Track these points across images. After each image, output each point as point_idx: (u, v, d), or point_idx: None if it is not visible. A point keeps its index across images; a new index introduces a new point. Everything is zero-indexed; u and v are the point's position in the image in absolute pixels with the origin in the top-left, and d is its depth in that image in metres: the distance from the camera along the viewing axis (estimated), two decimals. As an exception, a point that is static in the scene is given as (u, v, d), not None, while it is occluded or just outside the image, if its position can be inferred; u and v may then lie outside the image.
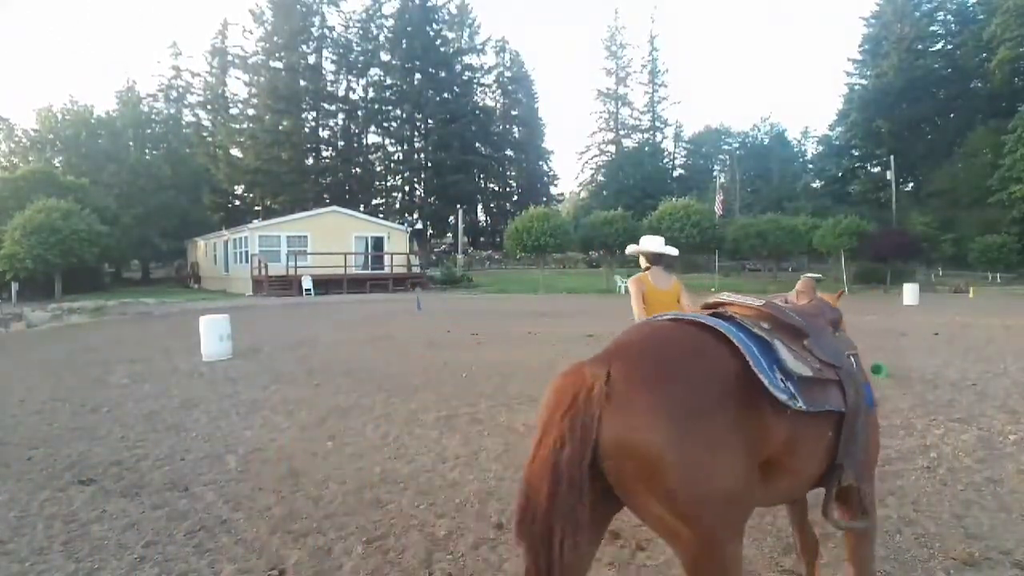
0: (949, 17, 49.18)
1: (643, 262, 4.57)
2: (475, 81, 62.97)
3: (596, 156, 66.35)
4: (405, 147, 59.96)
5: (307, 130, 54.93)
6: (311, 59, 54.57)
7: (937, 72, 47.57)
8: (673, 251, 4.57)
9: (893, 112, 47.07)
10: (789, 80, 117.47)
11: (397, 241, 33.62)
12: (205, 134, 54.80)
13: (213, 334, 9.73)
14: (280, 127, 52.46)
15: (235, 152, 54.31)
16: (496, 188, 65.09)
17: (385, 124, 59.13)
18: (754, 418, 1.75)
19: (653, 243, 4.56)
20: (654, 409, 1.63)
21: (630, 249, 4.77)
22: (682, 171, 65.66)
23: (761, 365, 1.82)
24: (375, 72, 58.13)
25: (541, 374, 8.01)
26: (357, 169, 56.80)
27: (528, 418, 5.81)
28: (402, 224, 39.16)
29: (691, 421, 1.64)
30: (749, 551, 3.14)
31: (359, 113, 57.13)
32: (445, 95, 57.53)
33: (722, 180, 55.28)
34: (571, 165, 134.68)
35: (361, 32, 57.08)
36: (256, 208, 51.72)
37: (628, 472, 1.63)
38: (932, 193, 42.89)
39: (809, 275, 3.42)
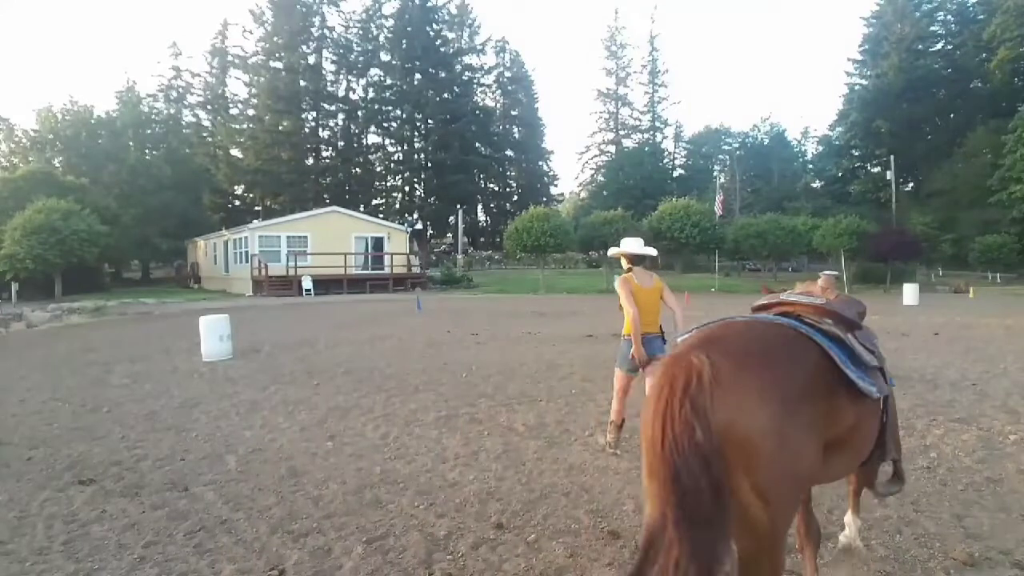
0: (949, 17, 49.23)
1: (624, 263, 4.76)
2: (475, 81, 63.00)
3: (596, 156, 66.38)
4: (405, 147, 59.97)
5: (307, 130, 54.94)
6: (311, 59, 54.59)
7: (937, 72, 47.59)
8: (652, 252, 4.78)
9: (893, 112, 47.08)
10: (789, 80, 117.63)
11: (397, 241, 33.61)
12: (205, 134, 54.81)
13: (213, 334, 9.73)
14: (280, 127, 52.47)
15: (235, 152, 54.33)
16: (496, 188, 65.11)
17: (385, 124, 59.14)
18: (831, 405, 1.95)
19: (634, 244, 4.75)
20: (760, 392, 1.75)
21: (612, 251, 4.97)
22: (682, 171, 65.67)
23: (844, 359, 2.04)
24: (375, 72, 58.20)
25: (541, 374, 8.01)
26: (357, 169, 56.83)
27: (528, 418, 5.81)
28: (402, 224, 39.12)
29: (791, 405, 1.78)
30: (749, 551, 3.13)
31: (359, 113, 57.14)
32: (445, 95, 57.54)
33: (722, 180, 55.29)
34: (571, 165, 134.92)
35: (361, 32, 57.10)
36: (256, 208, 51.71)
37: (731, 451, 1.70)
38: (932, 193, 42.90)
39: (829, 272, 3.53)
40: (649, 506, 1.76)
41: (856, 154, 52.27)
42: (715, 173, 61.00)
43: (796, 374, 1.89)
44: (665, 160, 64.04)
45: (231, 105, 56.82)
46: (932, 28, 49.12)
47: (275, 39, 52.88)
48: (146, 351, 10.86)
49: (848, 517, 3.06)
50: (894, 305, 20.02)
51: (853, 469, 2.46)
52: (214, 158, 52.69)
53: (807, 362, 1.96)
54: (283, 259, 28.71)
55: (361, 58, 56.85)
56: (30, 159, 37.75)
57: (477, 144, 59.04)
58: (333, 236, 30.37)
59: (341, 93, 56.78)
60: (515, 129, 65.74)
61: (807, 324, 2.15)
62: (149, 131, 42.61)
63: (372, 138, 59.33)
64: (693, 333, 2.15)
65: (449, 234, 54.80)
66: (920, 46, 47.74)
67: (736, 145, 66.89)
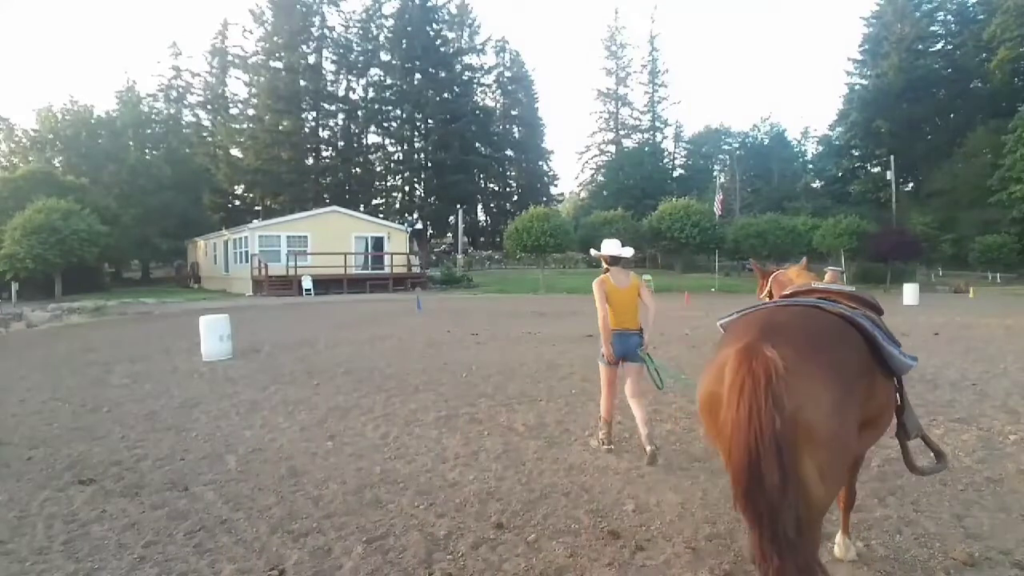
0: (949, 17, 49.23)
1: (603, 263, 5.01)
2: (475, 81, 62.97)
3: (596, 156, 66.35)
4: (405, 147, 59.96)
5: (307, 130, 54.92)
6: (311, 59, 54.57)
7: (937, 72, 47.60)
8: (629, 252, 5.04)
9: (893, 112, 47.09)
10: (789, 80, 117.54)
11: (397, 241, 33.61)
12: (205, 134, 54.79)
13: (213, 334, 9.73)
14: (280, 127, 52.45)
15: (235, 152, 54.31)
16: (496, 188, 65.08)
17: (385, 124, 59.12)
18: (871, 384, 2.18)
19: (612, 246, 4.99)
20: (823, 381, 1.96)
21: (593, 252, 5.26)
22: (682, 171, 65.64)
23: (886, 341, 2.28)
24: (375, 72, 58.16)
25: (541, 374, 8.02)
26: (357, 169, 56.81)
27: (528, 418, 5.81)
28: (402, 224, 39.12)
29: (847, 389, 2.00)
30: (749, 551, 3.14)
31: (359, 113, 57.11)
32: (445, 95, 57.52)
33: (722, 180, 55.30)
34: (571, 165, 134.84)
35: (361, 32, 57.08)
36: (256, 208, 51.67)
37: (800, 435, 1.88)
38: (932, 193, 42.90)
39: (834, 268, 3.78)
40: (732, 490, 1.99)
41: (856, 154, 52.27)
42: (715, 173, 61.01)
43: (849, 359, 2.12)
44: (665, 160, 64.02)
45: (231, 105, 56.85)
46: (932, 28, 49.12)
47: (275, 39, 52.87)
48: (146, 351, 10.86)
49: (839, 538, 3.00)
50: (894, 305, 20.01)
51: (874, 443, 2.67)
52: (214, 158, 52.67)
53: (855, 346, 2.19)
54: (283, 259, 28.70)
55: (361, 58, 56.83)
56: (30, 159, 37.74)
57: (477, 144, 59.01)
58: (333, 236, 30.37)
59: (341, 93, 56.77)
60: (515, 129, 65.70)
61: (848, 309, 2.36)
62: (149, 131, 42.60)
63: (372, 138, 59.37)
64: (747, 319, 2.35)
65: (449, 234, 54.78)
66: (920, 46, 47.74)
67: (736, 145, 66.87)
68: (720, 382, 2.00)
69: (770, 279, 3.87)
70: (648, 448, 4.41)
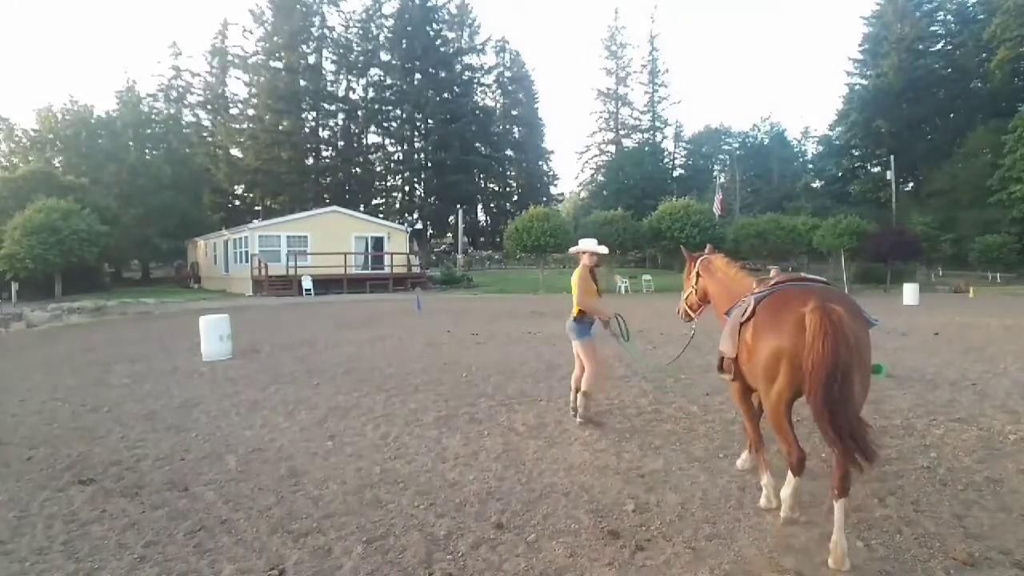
0: (949, 17, 49.22)
1: (587, 259, 5.60)
2: (475, 81, 62.94)
3: (596, 156, 66.30)
4: (405, 147, 59.94)
5: (307, 130, 54.89)
6: (311, 59, 54.54)
7: (937, 72, 47.57)
8: (604, 249, 5.76)
9: (893, 112, 47.07)
10: (789, 80, 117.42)
11: (397, 241, 33.61)
12: (205, 134, 54.75)
13: (213, 334, 9.73)
14: (280, 127, 52.43)
15: (235, 152, 54.28)
16: (496, 188, 65.06)
17: (385, 124, 59.11)
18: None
19: (592, 244, 5.71)
20: (864, 325, 3.28)
21: (572, 249, 5.83)
22: (682, 171, 65.61)
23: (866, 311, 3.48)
24: (375, 72, 58.12)
25: (541, 374, 8.02)
26: (357, 169, 56.79)
27: (528, 418, 5.81)
28: (402, 224, 39.11)
29: (867, 333, 3.27)
30: (749, 551, 3.14)
31: (359, 113, 57.09)
32: (445, 95, 57.51)
33: (722, 180, 55.27)
34: (571, 165, 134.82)
35: (361, 32, 57.06)
36: (256, 208, 51.63)
37: (855, 359, 2.97)
38: (932, 193, 42.88)
39: (777, 267, 4.42)
40: (812, 395, 2.96)
41: (856, 154, 52.26)
42: (715, 173, 61.00)
43: (863, 317, 3.34)
44: (665, 160, 63.99)
45: (231, 105, 56.80)
46: (932, 28, 49.09)
47: (275, 39, 52.84)
48: (146, 351, 10.86)
49: (836, 505, 3.03)
50: (894, 305, 20.01)
51: None
52: (214, 158, 52.65)
53: (860, 309, 3.37)
54: (283, 259, 28.70)
55: (361, 58, 56.81)
56: (30, 159, 37.72)
57: (477, 144, 58.99)
58: (333, 236, 30.36)
59: (341, 93, 56.74)
60: (515, 129, 65.65)
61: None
62: (149, 131, 42.56)
63: (372, 138, 59.34)
64: (799, 291, 3.36)
65: (449, 234, 54.78)
66: (920, 46, 47.72)
67: (736, 145, 66.82)
68: (799, 331, 3.05)
69: (697, 262, 4.61)
70: (577, 417, 5.54)
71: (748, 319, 3.51)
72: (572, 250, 5.81)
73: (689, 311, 4.67)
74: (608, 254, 6.01)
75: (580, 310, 5.50)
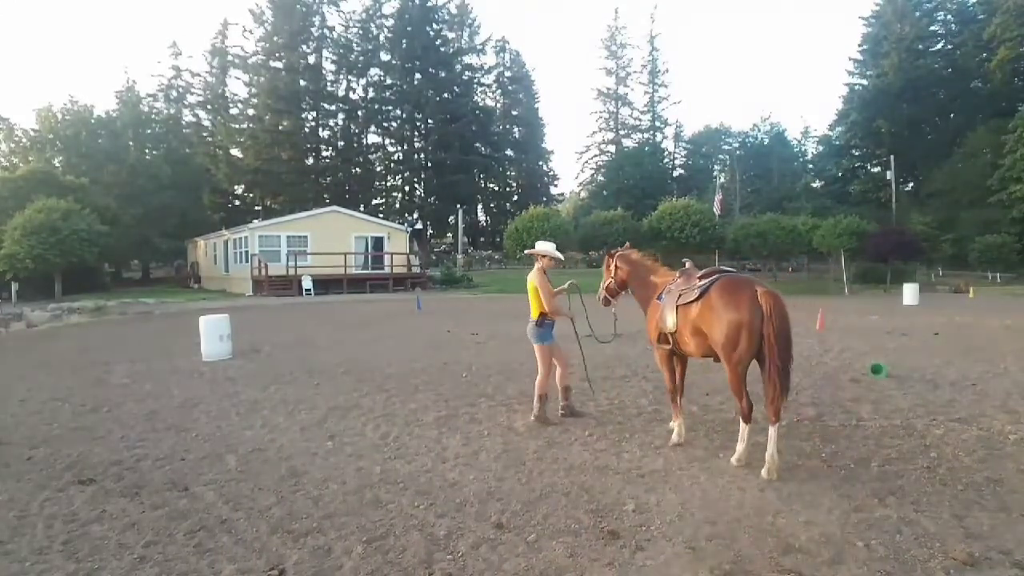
0: (949, 17, 49.21)
1: (546, 262, 5.69)
2: (475, 81, 62.96)
3: (596, 156, 66.37)
4: (405, 147, 59.94)
5: (307, 130, 54.90)
6: (311, 59, 54.55)
7: (937, 72, 47.56)
8: (561, 256, 5.97)
9: (893, 112, 47.06)
10: (789, 80, 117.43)
11: (397, 241, 33.59)
12: (205, 134, 54.74)
13: (213, 334, 9.73)
14: (280, 127, 52.43)
15: (235, 152, 54.26)
16: (496, 188, 65.07)
17: (385, 124, 59.11)
18: None
19: (551, 247, 5.80)
20: (785, 304, 4.16)
21: (532, 252, 5.92)
22: (682, 171, 65.66)
23: None
24: (375, 72, 58.13)
25: (541, 374, 8.00)
26: (357, 169, 56.77)
27: (528, 418, 5.81)
28: (402, 224, 39.10)
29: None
30: (749, 551, 3.14)
31: (359, 113, 57.09)
32: (445, 95, 57.51)
33: (722, 180, 55.27)
34: (571, 165, 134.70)
35: (361, 32, 57.06)
36: (256, 208, 51.64)
37: (790, 327, 4.11)
38: (932, 193, 42.87)
39: (688, 260, 5.16)
40: (772, 355, 4.02)
41: (856, 154, 52.26)
42: (715, 173, 60.99)
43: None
44: (665, 160, 64.02)
45: (231, 105, 56.79)
46: (932, 28, 49.10)
47: (275, 39, 52.84)
48: (146, 351, 10.86)
49: (772, 428, 4.13)
50: (894, 305, 20.02)
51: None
52: (214, 158, 52.62)
53: None
54: (283, 259, 28.68)
55: (361, 58, 56.80)
56: (30, 159, 37.66)
57: (477, 144, 58.99)
58: (333, 236, 30.35)
59: (341, 93, 56.74)
60: (515, 129, 65.67)
61: None
62: (149, 131, 42.54)
63: (372, 138, 59.35)
64: (741, 279, 4.38)
65: (449, 234, 54.79)
66: (920, 46, 47.72)
67: (736, 145, 66.84)
68: (756, 308, 4.06)
69: (615, 257, 5.55)
70: (561, 412, 5.73)
71: (693, 301, 4.42)
72: (532, 252, 5.89)
73: (609, 297, 5.66)
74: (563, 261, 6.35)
75: (542, 313, 5.56)
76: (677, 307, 4.53)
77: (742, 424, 4.33)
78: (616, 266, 5.51)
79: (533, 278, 5.60)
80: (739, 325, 4.08)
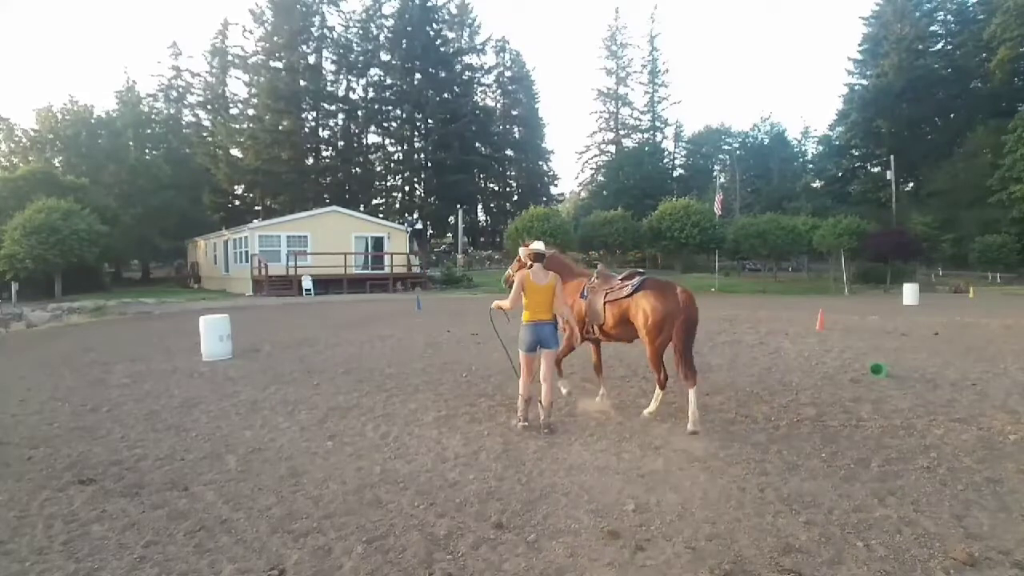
0: (949, 17, 49.26)
1: (528, 261, 5.57)
2: (475, 81, 62.90)
3: (596, 156, 66.33)
4: (405, 147, 59.90)
5: (307, 130, 54.85)
6: (311, 59, 54.52)
7: (937, 72, 47.59)
8: (548, 251, 5.93)
9: (893, 112, 47.09)
10: (789, 80, 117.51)
11: (397, 241, 33.57)
12: (205, 134, 54.73)
13: (213, 334, 9.72)
14: (280, 127, 52.40)
15: (235, 152, 54.23)
16: (496, 188, 65.02)
17: (385, 124, 59.07)
18: None
19: (537, 245, 5.63)
20: (694, 300, 5.44)
21: (522, 251, 5.88)
22: (682, 171, 65.63)
23: None
24: (375, 72, 58.09)
25: (541, 374, 8.00)
26: (357, 169, 56.73)
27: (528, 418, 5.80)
28: (402, 224, 39.09)
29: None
30: (749, 551, 3.14)
31: (359, 113, 57.06)
32: (445, 95, 57.46)
33: (722, 180, 55.33)
34: (571, 165, 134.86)
35: (361, 32, 57.03)
36: (256, 208, 51.62)
37: (691, 316, 5.35)
38: (932, 193, 42.89)
39: (602, 264, 5.84)
40: (675, 341, 5.29)
41: (856, 154, 52.30)
42: (715, 173, 61.06)
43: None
44: (665, 160, 63.99)
45: (231, 105, 56.79)
46: (932, 28, 49.15)
47: (275, 39, 52.81)
48: (146, 351, 10.86)
49: (690, 392, 5.27)
50: (894, 305, 20.02)
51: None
52: (214, 158, 52.61)
53: None
54: (283, 259, 28.67)
55: (361, 58, 56.77)
56: (30, 159, 37.65)
57: (477, 144, 58.95)
58: (333, 236, 30.34)
59: (341, 93, 56.69)
60: (515, 129, 65.61)
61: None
62: (149, 131, 42.52)
63: (372, 138, 59.30)
64: (663, 282, 5.57)
65: (449, 234, 54.72)
66: (920, 46, 47.74)
67: (736, 145, 66.89)
68: (677, 303, 5.26)
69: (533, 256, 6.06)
70: (544, 429, 5.31)
71: (624, 298, 5.50)
72: (523, 252, 5.78)
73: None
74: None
75: (553, 315, 5.41)
76: (605, 303, 5.62)
77: (657, 389, 5.64)
78: (529, 265, 5.76)
79: (550, 280, 5.36)
80: (665, 315, 5.24)
